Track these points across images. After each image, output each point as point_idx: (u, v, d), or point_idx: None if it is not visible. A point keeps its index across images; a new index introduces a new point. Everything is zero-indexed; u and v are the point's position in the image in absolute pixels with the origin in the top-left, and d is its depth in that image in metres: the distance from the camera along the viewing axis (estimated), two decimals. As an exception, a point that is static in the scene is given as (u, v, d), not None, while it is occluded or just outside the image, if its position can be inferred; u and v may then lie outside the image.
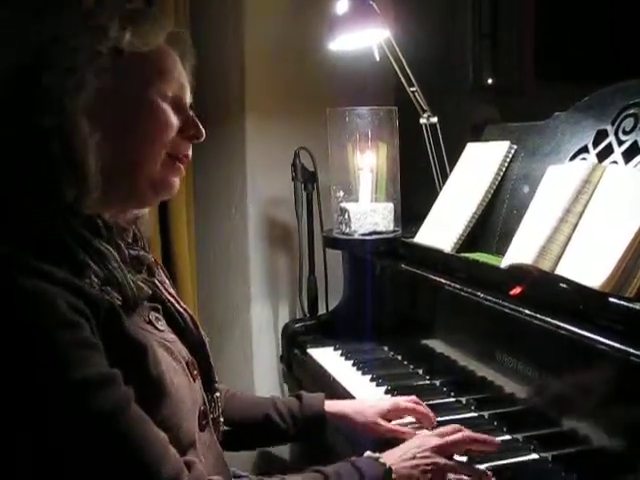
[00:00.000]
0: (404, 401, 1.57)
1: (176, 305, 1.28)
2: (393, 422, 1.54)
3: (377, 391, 1.76)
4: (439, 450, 1.30)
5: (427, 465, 1.27)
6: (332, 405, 1.56)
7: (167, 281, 1.33)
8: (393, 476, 1.24)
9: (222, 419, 1.34)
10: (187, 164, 1.24)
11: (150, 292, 1.20)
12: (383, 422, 1.52)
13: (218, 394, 1.33)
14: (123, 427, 1.00)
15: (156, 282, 1.26)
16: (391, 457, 1.28)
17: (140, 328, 1.14)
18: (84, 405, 0.98)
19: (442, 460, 1.29)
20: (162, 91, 1.18)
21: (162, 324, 1.22)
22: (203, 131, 1.24)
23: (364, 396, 1.73)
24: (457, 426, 1.39)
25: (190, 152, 1.24)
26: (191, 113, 1.24)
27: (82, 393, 0.98)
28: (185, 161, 1.23)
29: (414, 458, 1.28)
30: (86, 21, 1.11)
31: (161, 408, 1.09)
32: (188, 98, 1.25)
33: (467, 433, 1.36)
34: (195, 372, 1.24)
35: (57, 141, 1.06)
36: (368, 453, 1.29)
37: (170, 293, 1.29)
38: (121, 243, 1.16)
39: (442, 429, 1.39)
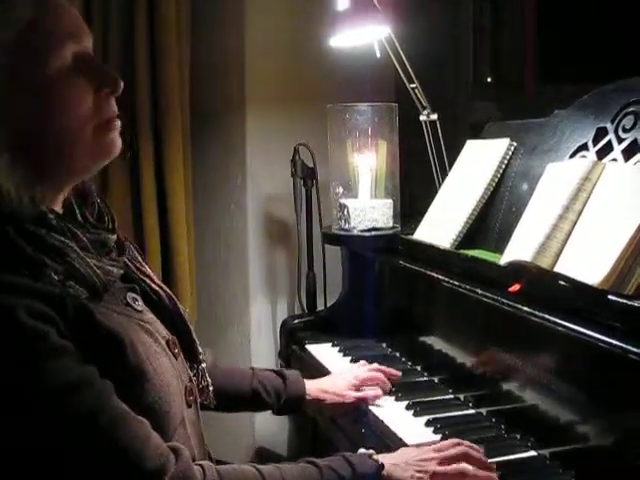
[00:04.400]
0: (364, 371, 1.74)
1: (150, 284, 1.26)
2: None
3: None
4: (435, 462, 1.29)
5: (418, 472, 1.26)
6: (310, 389, 1.66)
7: (139, 258, 1.29)
8: (384, 473, 1.24)
9: (212, 388, 1.34)
10: (118, 121, 1.12)
11: (121, 272, 1.17)
12: (351, 393, 1.66)
13: (204, 365, 1.32)
14: (100, 427, 1.00)
15: (127, 261, 1.22)
16: (385, 457, 1.28)
17: (117, 313, 1.12)
18: (57, 413, 0.98)
19: (433, 469, 1.27)
20: (60, 59, 1.05)
21: (140, 304, 1.20)
22: (120, 82, 1.10)
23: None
24: (457, 440, 1.37)
25: (116, 108, 1.12)
26: (99, 64, 1.10)
27: (54, 401, 0.98)
28: (115, 120, 1.12)
29: (408, 463, 1.27)
30: None
31: (145, 396, 1.09)
32: (89, 42, 1.11)
33: (465, 449, 1.33)
34: (177, 350, 1.23)
35: None
36: (362, 450, 1.30)
37: (142, 272, 1.26)
38: (77, 230, 1.09)
39: (442, 444, 1.38)
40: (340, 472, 1.20)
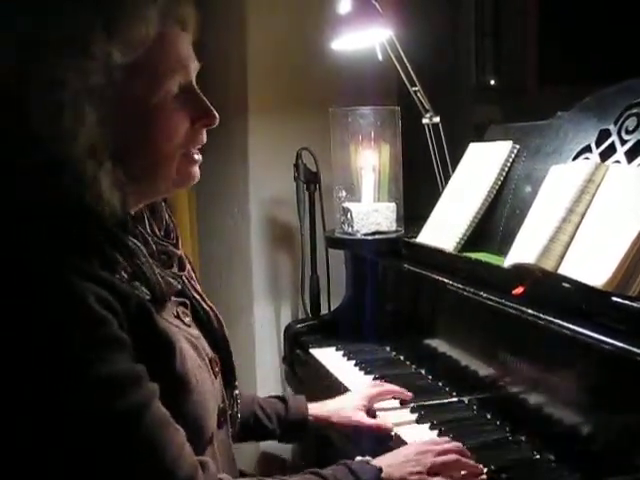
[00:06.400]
0: (371, 387, 1.69)
1: (202, 302, 1.29)
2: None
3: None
4: (431, 454, 1.33)
5: (416, 467, 1.29)
6: (314, 408, 1.60)
7: (195, 277, 1.33)
8: (383, 476, 1.26)
9: (239, 415, 1.35)
10: (199, 154, 1.19)
11: (179, 287, 1.20)
12: (364, 419, 1.58)
13: (237, 391, 1.33)
14: (144, 426, 1.01)
15: (185, 277, 1.25)
16: (382, 460, 1.31)
17: (168, 322, 1.14)
18: (107, 403, 0.98)
19: (430, 461, 1.31)
20: (168, 88, 1.10)
21: (189, 320, 1.22)
22: (216, 116, 1.17)
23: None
24: (449, 440, 1.41)
25: (205, 138, 1.18)
26: (200, 97, 1.16)
27: (105, 391, 0.99)
28: (201, 149, 1.18)
29: (404, 462, 1.30)
30: (69, 50, 1.02)
31: (185, 405, 1.10)
32: (194, 68, 1.18)
33: (459, 445, 1.38)
34: (217, 369, 1.25)
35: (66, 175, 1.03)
36: (359, 458, 1.33)
37: (196, 290, 1.30)
38: (149, 238, 1.15)
39: (437, 439, 1.42)
40: None
